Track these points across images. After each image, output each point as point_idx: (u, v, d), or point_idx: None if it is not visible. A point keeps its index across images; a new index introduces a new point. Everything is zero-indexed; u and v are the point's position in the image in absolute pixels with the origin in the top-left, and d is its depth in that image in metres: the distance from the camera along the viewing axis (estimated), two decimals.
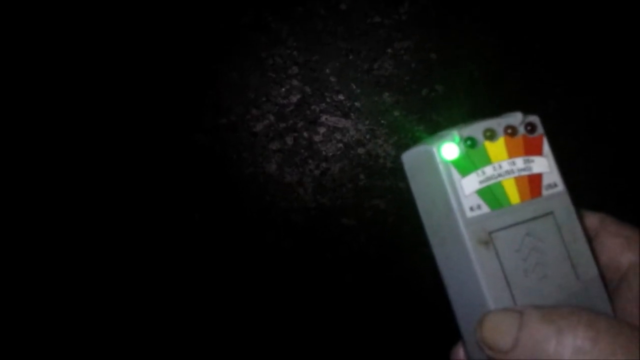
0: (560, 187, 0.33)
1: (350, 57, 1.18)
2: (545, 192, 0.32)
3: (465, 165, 0.31)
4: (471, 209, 0.31)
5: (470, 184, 0.31)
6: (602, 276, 0.32)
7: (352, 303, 1.11)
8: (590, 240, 0.33)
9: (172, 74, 1.14)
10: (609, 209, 0.35)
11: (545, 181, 0.32)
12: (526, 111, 0.33)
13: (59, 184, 1.10)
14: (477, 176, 0.31)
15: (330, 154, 1.15)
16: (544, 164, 0.32)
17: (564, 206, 0.32)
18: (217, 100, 1.15)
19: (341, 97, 1.17)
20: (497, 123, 0.32)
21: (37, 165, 1.10)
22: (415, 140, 0.33)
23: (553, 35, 1.19)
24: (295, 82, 1.16)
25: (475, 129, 0.32)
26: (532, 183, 0.32)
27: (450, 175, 0.31)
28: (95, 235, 1.09)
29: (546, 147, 0.33)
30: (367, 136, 1.16)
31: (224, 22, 1.16)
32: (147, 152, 1.12)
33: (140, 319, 1.08)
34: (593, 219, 0.34)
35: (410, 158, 0.34)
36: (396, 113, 1.17)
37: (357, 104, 1.17)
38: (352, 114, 1.16)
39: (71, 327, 1.06)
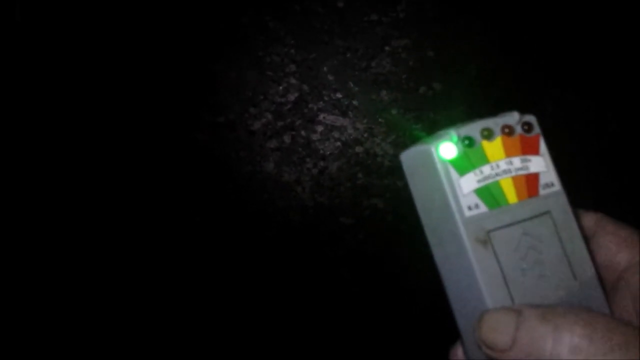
0: (557, 186, 0.33)
1: (348, 55, 1.18)
2: (542, 192, 0.32)
3: (463, 165, 0.31)
4: (469, 208, 0.31)
5: (468, 183, 0.31)
6: (599, 275, 0.32)
7: (350, 302, 1.11)
8: (587, 239, 0.33)
9: (169, 72, 1.14)
10: (607, 209, 0.36)
11: (542, 180, 0.32)
12: (523, 109, 0.33)
13: (55, 183, 1.10)
14: (474, 175, 0.31)
15: (328, 152, 1.16)
16: (540, 164, 0.33)
17: (561, 205, 0.32)
18: (215, 98, 1.15)
19: (339, 95, 1.17)
20: (495, 122, 0.32)
21: (34, 165, 1.10)
22: (412, 139, 0.34)
23: (552, 34, 1.19)
24: (292, 81, 1.16)
25: (473, 129, 0.32)
26: (529, 182, 0.32)
27: (448, 175, 0.31)
28: (92, 233, 1.09)
29: (543, 147, 0.33)
30: (365, 134, 1.16)
31: (221, 20, 1.16)
32: (144, 151, 1.12)
33: (138, 317, 1.08)
34: (590, 219, 0.34)
35: (408, 157, 0.34)
36: (394, 111, 1.17)
37: (354, 102, 1.17)
38: (349, 112, 1.16)
39: (72, 329, 1.06)
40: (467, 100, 1.15)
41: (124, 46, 1.14)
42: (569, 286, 0.31)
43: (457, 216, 0.31)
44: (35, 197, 1.10)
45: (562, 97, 1.17)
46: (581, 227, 0.33)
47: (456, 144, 0.32)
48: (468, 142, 0.32)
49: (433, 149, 0.31)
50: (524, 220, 0.32)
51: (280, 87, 1.16)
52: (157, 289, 1.09)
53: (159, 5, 1.14)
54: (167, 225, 1.11)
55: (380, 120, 1.17)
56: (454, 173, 0.31)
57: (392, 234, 1.12)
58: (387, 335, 1.09)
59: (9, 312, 1.05)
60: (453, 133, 0.32)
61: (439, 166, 0.31)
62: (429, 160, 0.32)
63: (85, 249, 1.09)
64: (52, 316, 1.06)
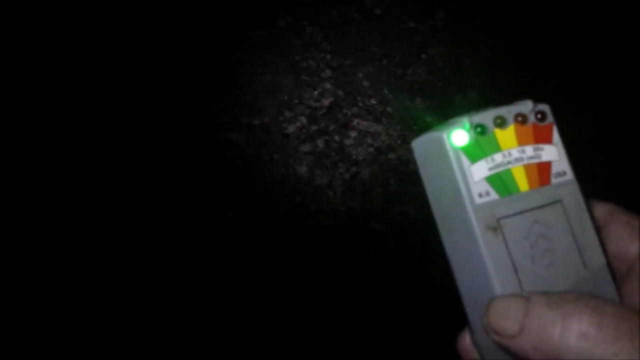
0: (570, 175, 0.33)
1: (384, 61, 1.19)
2: (554, 180, 0.32)
3: (474, 152, 0.32)
4: (480, 195, 0.31)
5: (479, 171, 0.31)
6: (610, 265, 0.32)
7: (378, 307, 1.11)
8: (598, 229, 0.33)
9: (207, 75, 1.16)
10: (617, 201, 0.35)
11: (555, 169, 0.32)
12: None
13: (95, 182, 1.13)
14: (486, 163, 0.32)
15: (361, 158, 1.16)
16: (553, 153, 0.32)
17: (573, 195, 0.32)
18: (251, 101, 1.17)
19: (373, 101, 1.17)
20: (508, 111, 0.32)
21: (74, 166, 1.14)
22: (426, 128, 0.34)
23: (591, 44, 1.18)
24: (327, 86, 1.18)
25: (486, 116, 0.32)
26: (541, 171, 0.32)
27: (459, 162, 0.31)
28: (129, 230, 1.12)
29: (556, 136, 0.33)
30: (399, 141, 1.16)
31: (259, 25, 1.18)
32: (181, 151, 1.14)
33: (169, 312, 1.10)
34: (602, 209, 0.34)
35: (420, 144, 0.34)
36: (428, 119, 1.17)
37: (389, 108, 1.17)
38: (383, 119, 1.17)
39: (94, 327, 1.08)
40: None
41: (163, 50, 1.17)
42: (579, 275, 0.31)
43: (468, 203, 0.31)
44: (70, 196, 1.13)
45: (601, 108, 1.16)
46: (593, 217, 0.33)
47: (468, 131, 0.32)
48: (480, 130, 0.32)
49: (445, 136, 0.32)
50: (535, 208, 0.32)
51: (315, 92, 1.17)
52: (187, 286, 1.10)
53: (198, 9, 1.17)
54: (199, 223, 1.13)
55: (414, 127, 1.17)
56: (465, 160, 0.31)
57: (422, 242, 1.11)
58: (407, 333, 1.09)
59: (9, 312, 1.06)
60: (465, 120, 0.32)
61: (451, 153, 0.31)
62: (440, 147, 0.32)
63: (119, 243, 1.11)
64: (60, 314, 1.07)
